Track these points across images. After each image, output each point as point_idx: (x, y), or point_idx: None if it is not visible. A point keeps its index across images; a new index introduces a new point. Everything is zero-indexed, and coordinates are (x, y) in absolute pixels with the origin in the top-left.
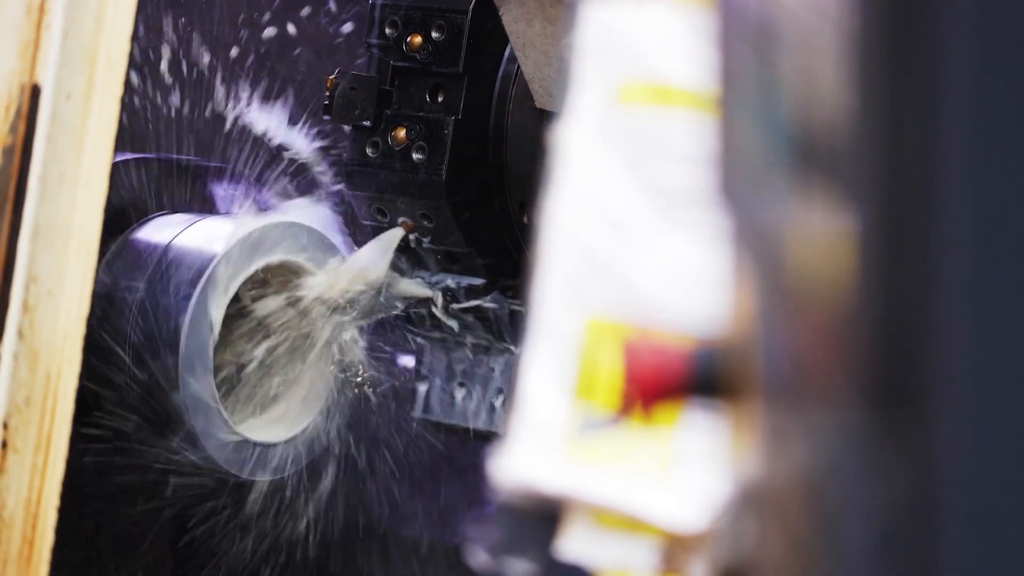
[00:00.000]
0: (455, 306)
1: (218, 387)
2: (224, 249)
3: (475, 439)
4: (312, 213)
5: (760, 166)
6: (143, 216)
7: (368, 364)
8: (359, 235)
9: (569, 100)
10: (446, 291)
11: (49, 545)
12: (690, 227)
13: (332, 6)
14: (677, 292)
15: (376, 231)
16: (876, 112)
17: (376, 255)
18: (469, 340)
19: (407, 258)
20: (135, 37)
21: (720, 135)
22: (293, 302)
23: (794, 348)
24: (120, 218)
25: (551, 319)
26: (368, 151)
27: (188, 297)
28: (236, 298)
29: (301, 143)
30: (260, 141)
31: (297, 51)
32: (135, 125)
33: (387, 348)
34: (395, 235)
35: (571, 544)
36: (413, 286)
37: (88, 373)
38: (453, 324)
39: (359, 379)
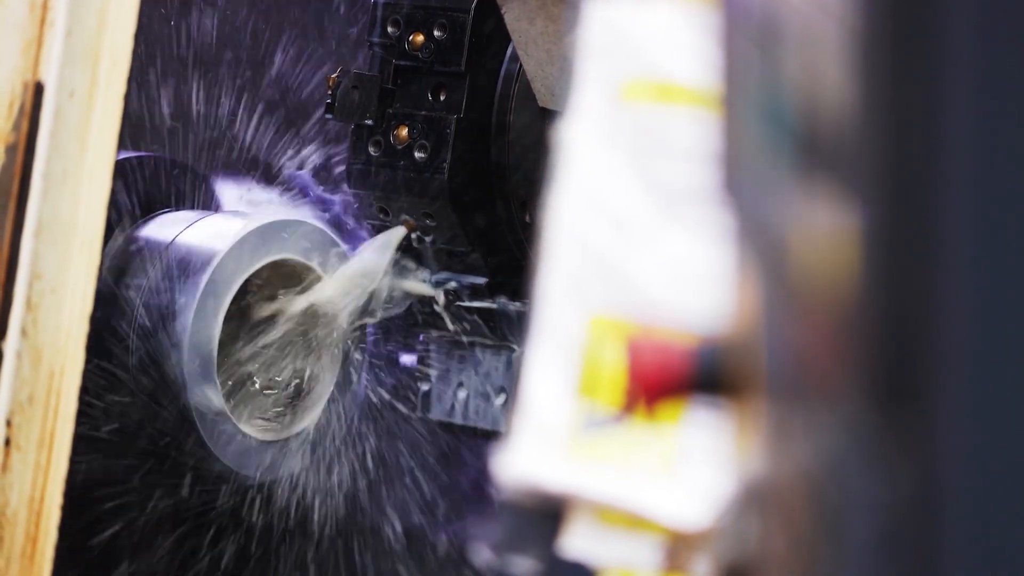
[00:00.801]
0: (457, 304)
1: (222, 384)
2: (227, 246)
3: (477, 438)
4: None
5: (764, 164)
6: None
7: (371, 363)
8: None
9: (572, 98)
10: (448, 290)
11: (52, 543)
12: (693, 225)
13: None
14: (681, 290)
15: (378, 230)
16: (880, 109)
17: (378, 254)
18: (471, 339)
19: (409, 257)
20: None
21: (724, 132)
22: (296, 300)
23: (797, 346)
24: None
25: (554, 317)
26: (370, 150)
27: (192, 294)
28: (239, 295)
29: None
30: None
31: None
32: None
33: (389, 347)
34: (397, 234)
35: (575, 542)
36: (415, 285)
37: (91, 370)
38: (455, 323)
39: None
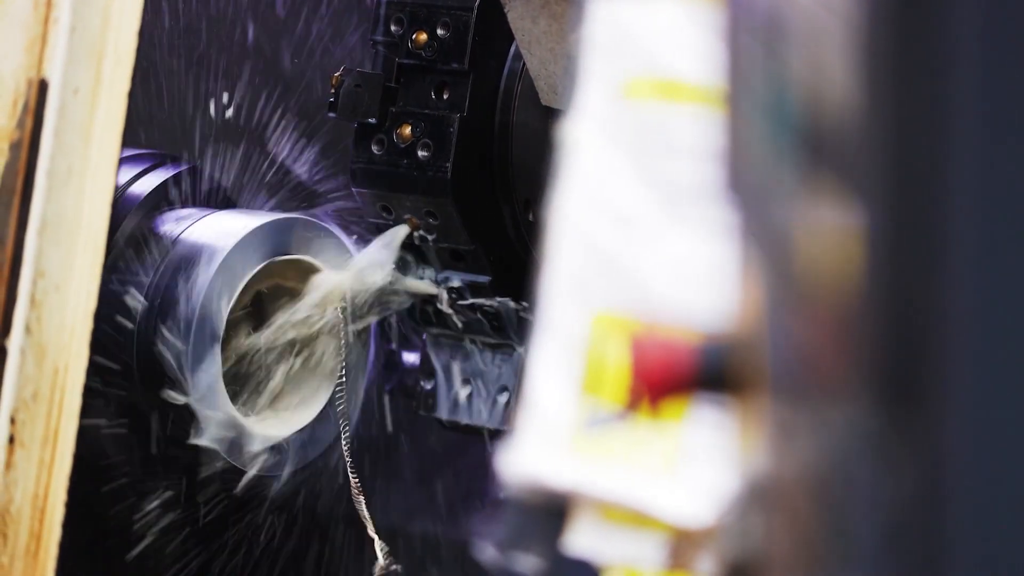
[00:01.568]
0: (461, 303)
1: (226, 381)
2: (231, 244)
3: (480, 436)
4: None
5: (768, 161)
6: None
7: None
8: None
9: (576, 96)
10: (451, 288)
11: (56, 540)
12: (698, 222)
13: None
14: (685, 287)
15: (381, 229)
16: (884, 107)
17: (381, 252)
18: (474, 337)
19: (412, 255)
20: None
21: (728, 130)
22: (300, 298)
23: (802, 343)
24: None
25: (558, 314)
26: (373, 148)
27: (196, 291)
28: (243, 293)
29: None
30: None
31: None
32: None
33: (392, 345)
34: (400, 232)
35: (578, 539)
36: (418, 283)
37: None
38: (458, 321)
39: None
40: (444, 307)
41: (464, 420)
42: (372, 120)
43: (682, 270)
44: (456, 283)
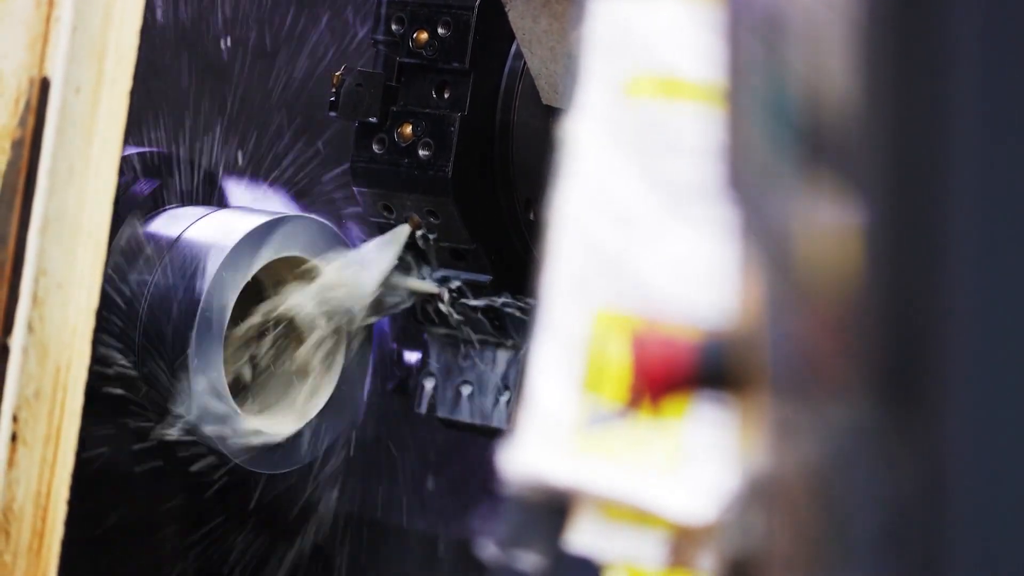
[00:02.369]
0: (461, 302)
1: (228, 379)
2: (233, 243)
3: (480, 436)
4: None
5: (768, 159)
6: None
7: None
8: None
9: (577, 94)
10: (452, 287)
11: (59, 538)
12: (698, 220)
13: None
14: (686, 285)
15: (382, 228)
16: (884, 105)
17: (383, 251)
18: (475, 336)
19: (413, 254)
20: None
21: (728, 128)
22: (300, 299)
23: (802, 341)
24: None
25: (560, 312)
26: (374, 147)
27: (198, 290)
28: (246, 290)
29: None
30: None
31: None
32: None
33: (393, 345)
34: (402, 232)
35: (580, 537)
36: (419, 282)
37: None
38: (459, 320)
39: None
40: (445, 306)
41: (464, 419)
42: (373, 119)
43: (683, 268)
44: (457, 282)
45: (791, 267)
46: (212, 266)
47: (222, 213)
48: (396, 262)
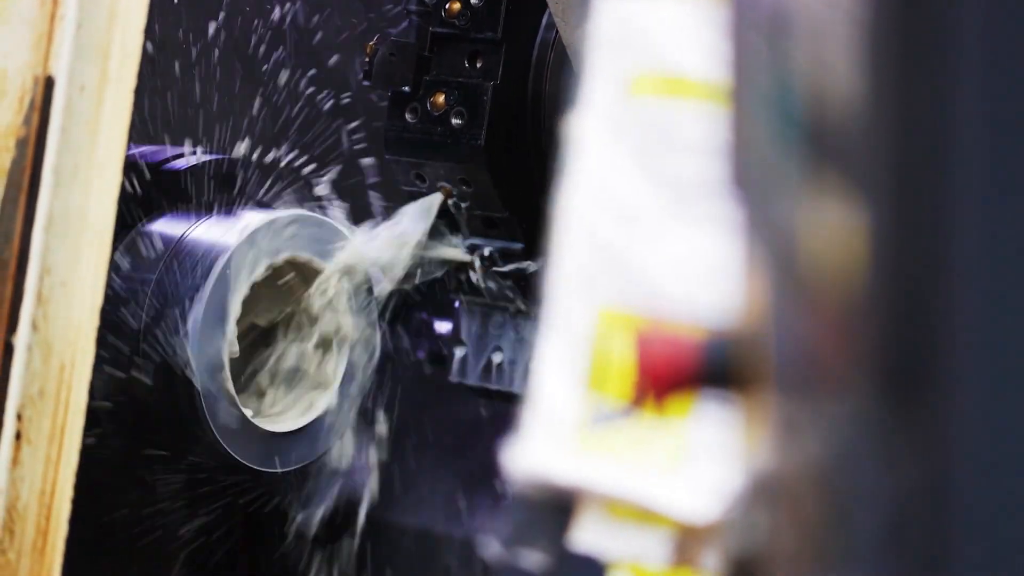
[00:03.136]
0: (493, 270)
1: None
2: (236, 242)
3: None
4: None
5: (772, 158)
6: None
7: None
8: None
9: (583, 91)
10: (484, 255)
11: (63, 536)
12: (703, 218)
13: None
14: (690, 283)
15: (415, 197)
16: (889, 103)
17: (415, 220)
18: (506, 304)
19: (446, 223)
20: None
21: (733, 126)
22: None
23: (806, 339)
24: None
25: (564, 310)
26: (407, 117)
27: (201, 289)
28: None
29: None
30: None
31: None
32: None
33: (423, 314)
34: (434, 200)
35: (584, 536)
36: (452, 251)
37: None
38: (490, 288)
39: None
40: (477, 274)
41: (495, 387)
42: (406, 89)
43: (687, 266)
44: (489, 250)
45: (795, 266)
46: (217, 265)
47: (223, 215)
48: (429, 230)
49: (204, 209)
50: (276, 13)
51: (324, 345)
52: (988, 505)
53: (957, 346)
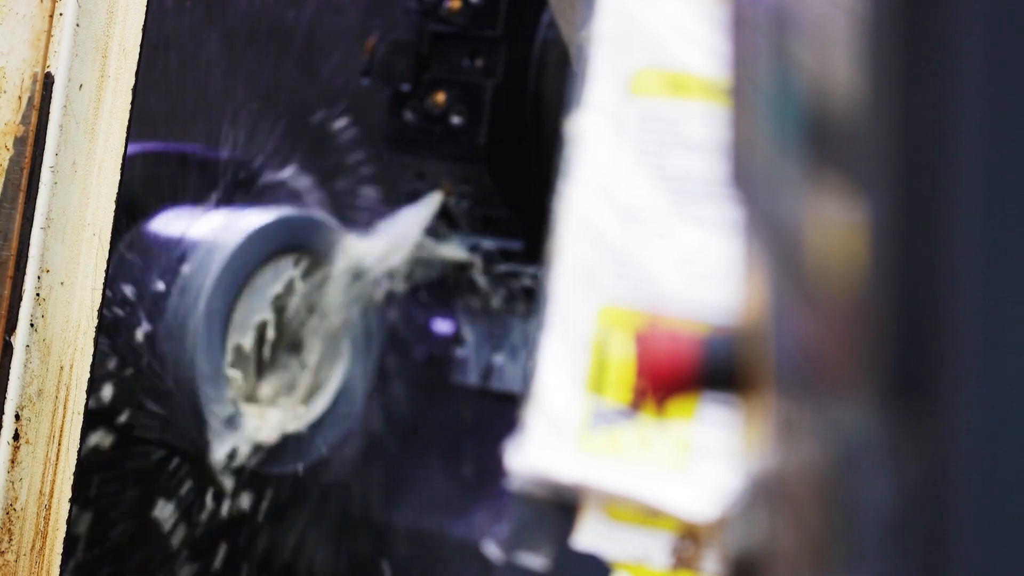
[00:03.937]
0: (495, 269)
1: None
2: (238, 241)
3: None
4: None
5: (774, 155)
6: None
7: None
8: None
9: (584, 89)
10: (484, 254)
11: (62, 537)
12: (704, 217)
13: None
14: (691, 281)
15: (415, 195)
16: (891, 101)
17: (415, 219)
18: (506, 303)
19: (446, 222)
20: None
21: (733, 124)
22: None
23: (808, 338)
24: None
25: (565, 309)
26: (407, 115)
27: (202, 288)
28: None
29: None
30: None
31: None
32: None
33: (424, 314)
34: (434, 199)
35: (586, 536)
36: (451, 250)
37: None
38: (491, 287)
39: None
40: (477, 274)
41: (495, 387)
42: (406, 87)
43: (688, 264)
44: (489, 249)
45: (797, 264)
46: (215, 265)
47: (225, 212)
48: (428, 230)
49: (204, 208)
50: (276, 11)
51: (324, 345)
52: (992, 505)
53: (960, 345)
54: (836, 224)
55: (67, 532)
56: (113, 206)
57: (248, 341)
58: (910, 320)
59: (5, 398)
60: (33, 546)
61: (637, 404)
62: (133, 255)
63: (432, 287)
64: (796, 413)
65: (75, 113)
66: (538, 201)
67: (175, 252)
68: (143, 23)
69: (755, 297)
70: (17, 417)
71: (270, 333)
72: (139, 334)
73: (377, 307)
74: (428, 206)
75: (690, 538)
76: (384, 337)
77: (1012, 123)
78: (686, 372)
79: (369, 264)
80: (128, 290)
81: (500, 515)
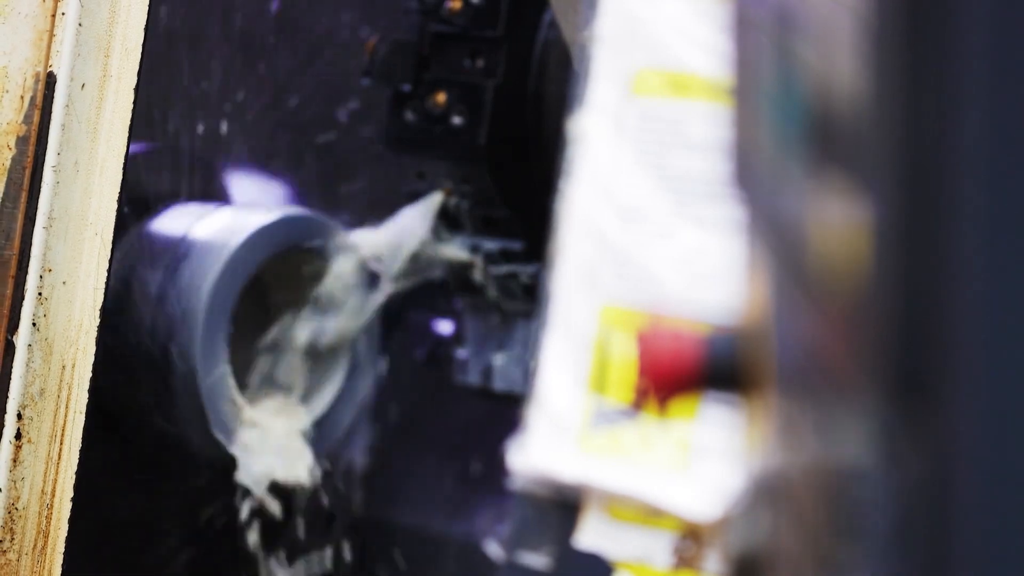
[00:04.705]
0: (495, 270)
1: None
2: (240, 241)
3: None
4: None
5: (777, 155)
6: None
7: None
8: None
9: (585, 89)
10: (486, 255)
11: (64, 537)
12: (706, 216)
13: None
14: (693, 281)
15: (415, 196)
16: (895, 100)
17: (416, 220)
18: (507, 304)
19: (446, 222)
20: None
21: (736, 124)
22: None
23: (810, 338)
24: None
25: (567, 309)
26: (408, 115)
27: (203, 288)
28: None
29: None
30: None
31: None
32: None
33: (426, 314)
34: (434, 200)
35: (588, 535)
36: (452, 250)
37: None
38: (491, 288)
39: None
40: (478, 274)
41: (497, 387)
42: (406, 87)
43: (690, 264)
44: (490, 249)
45: (799, 264)
46: (215, 266)
47: (225, 211)
48: (429, 230)
49: (205, 208)
50: (276, 9)
51: (324, 346)
52: (996, 505)
53: (963, 345)
54: (839, 224)
55: (68, 532)
56: (115, 205)
57: (250, 342)
58: (913, 320)
59: (7, 397)
60: (35, 545)
61: (639, 404)
62: (134, 254)
63: (433, 287)
64: (798, 413)
65: (77, 112)
66: (539, 201)
67: (176, 252)
68: (145, 22)
69: (757, 297)
70: (19, 416)
71: (270, 333)
72: (139, 334)
73: (378, 307)
74: (428, 207)
75: (692, 538)
76: (384, 337)
77: (1017, 123)
78: (688, 372)
79: (370, 265)
80: (128, 290)
81: (502, 515)
